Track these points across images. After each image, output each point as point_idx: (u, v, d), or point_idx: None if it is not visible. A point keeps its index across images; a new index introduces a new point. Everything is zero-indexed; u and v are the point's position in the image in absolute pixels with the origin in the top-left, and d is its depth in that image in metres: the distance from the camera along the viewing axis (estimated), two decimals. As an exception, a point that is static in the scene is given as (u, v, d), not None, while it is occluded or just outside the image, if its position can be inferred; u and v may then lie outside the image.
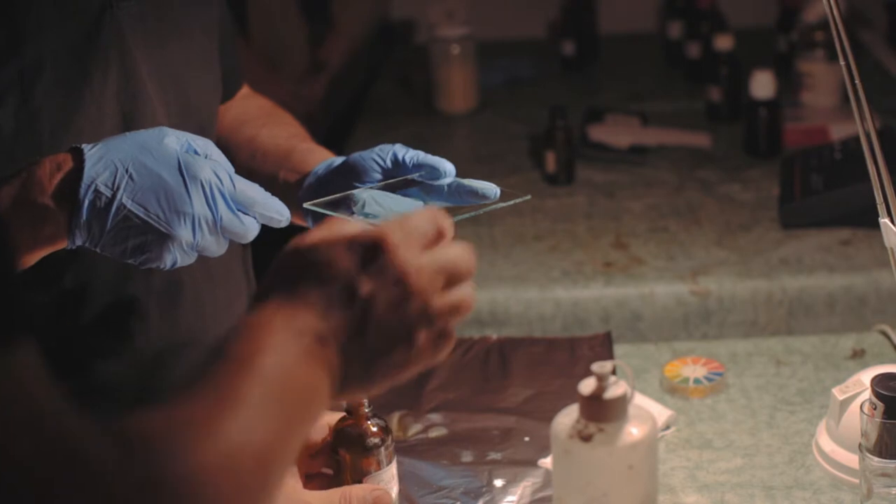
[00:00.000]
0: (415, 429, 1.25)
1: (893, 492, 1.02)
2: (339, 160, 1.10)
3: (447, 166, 1.03)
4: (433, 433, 1.25)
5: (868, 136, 1.07)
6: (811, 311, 1.60)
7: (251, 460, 0.63)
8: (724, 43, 2.22)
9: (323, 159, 1.13)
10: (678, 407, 1.28)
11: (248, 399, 0.64)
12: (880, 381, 1.04)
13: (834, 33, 1.05)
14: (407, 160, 1.04)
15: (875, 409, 1.02)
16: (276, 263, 0.72)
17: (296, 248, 0.72)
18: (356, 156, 1.08)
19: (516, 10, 2.97)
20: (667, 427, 1.24)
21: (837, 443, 1.15)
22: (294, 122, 1.27)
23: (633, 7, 2.92)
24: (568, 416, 0.90)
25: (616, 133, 2.14)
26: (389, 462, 1.05)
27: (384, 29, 2.98)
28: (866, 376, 1.13)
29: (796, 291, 1.60)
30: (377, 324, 0.70)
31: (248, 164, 1.18)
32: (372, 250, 0.71)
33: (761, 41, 2.53)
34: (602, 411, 0.88)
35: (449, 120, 2.39)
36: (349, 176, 1.06)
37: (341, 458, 1.04)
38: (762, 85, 2.01)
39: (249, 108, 1.28)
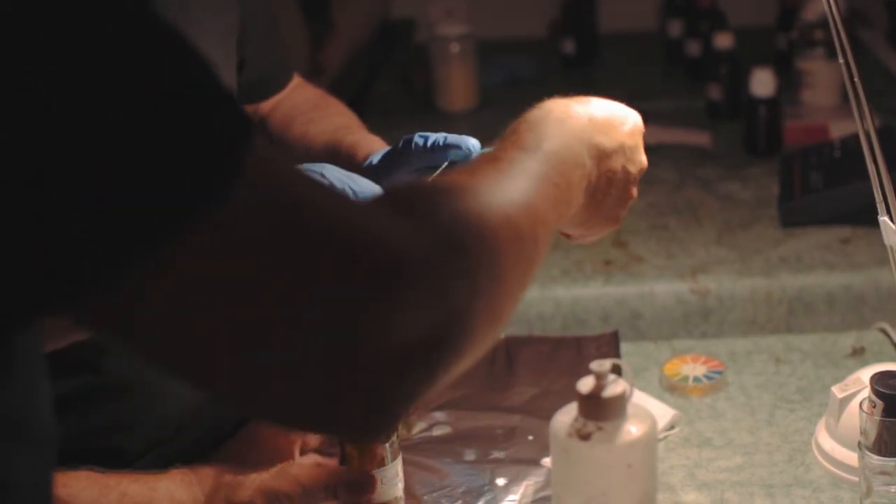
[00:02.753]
0: (419, 427, 1.25)
1: (893, 490, 1.03)
2: (374, 159, 1.10)
3: (471, 143, 1.02)
4: (437, 431, 1.25)
5: (868, 134, 1.07)
6: (811, 310, 1.60)
7: (527, 219, 0.69)
8: (723, 41, 2.22)
9: (364, 157, 1.13)
10: (678, 405, 1.28)
11: (528, 171, 0.73)
12: (880, 380, 1.04)
13: (833, 32, 1.05)
14: (429, 146, 1.04)
15: (875, 407, 1.03)
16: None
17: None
18: (383, 156, 1.08)
19: (516, 9, 2.97)
20: (671, 427, 1.24)
21: (837, 441, 1.15)
22: (342, 111, 1.27)
23: (634, 6, 2.92)
24: (567, 415, 0.90)
25: (616, 132, 2.14)
26: (395, 458, 1.05)
27: (384, 28, 2.98)
28: (866, 374, 1.13)
29: (796, 290, 1.60)
30: (616, 185, 0.86)
31: (305, 161, 1.19)
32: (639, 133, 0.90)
33: (761, 40, 2.53)
34: (601, 410, 0.88)
35: (449, 118, 2.39)
36: (383, 177, 1.06)
37: (347, 454, 1.05)
38: (762, 83, 2.01)
39: (298, 102, 1.28)
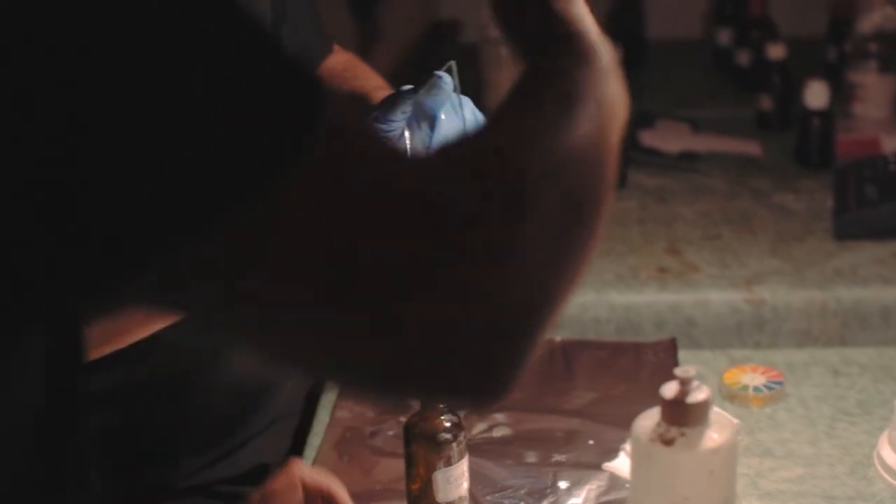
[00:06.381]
0: (479, 427, 1.26)
1: (962, 506, 1.03)
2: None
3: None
4: (497, 432, 1.25)
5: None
6: (866, 324, 1.60)
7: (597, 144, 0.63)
8: (776, 52, 2.21)
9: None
10: (736, 414, 1.28)
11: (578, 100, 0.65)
12: (952, 395, 1.04)
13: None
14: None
15: (946, 422, 1.03)
16: None
17: None
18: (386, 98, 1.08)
19: (563, 14, 2.96)
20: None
21: (902, 455, 1.15)
22: (371, 75, 1.30)
23: (680, 12, 2.92)
24: (649, 420, 0.91)
25: (667, 138, 2.14)
26: (461, 458, 1.06)
27: (432, 30, 2.98)
28: (932, 389, 1.13)
29: (851, 303, 1.60)
30: None
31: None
32: None
33: (808, 50, 2.52)
34: (684, 416, 0.89)
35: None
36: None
37: (414, 453, 1.05)
38: (816, 94, 2.01)
39: (337, 64, 1.31)
